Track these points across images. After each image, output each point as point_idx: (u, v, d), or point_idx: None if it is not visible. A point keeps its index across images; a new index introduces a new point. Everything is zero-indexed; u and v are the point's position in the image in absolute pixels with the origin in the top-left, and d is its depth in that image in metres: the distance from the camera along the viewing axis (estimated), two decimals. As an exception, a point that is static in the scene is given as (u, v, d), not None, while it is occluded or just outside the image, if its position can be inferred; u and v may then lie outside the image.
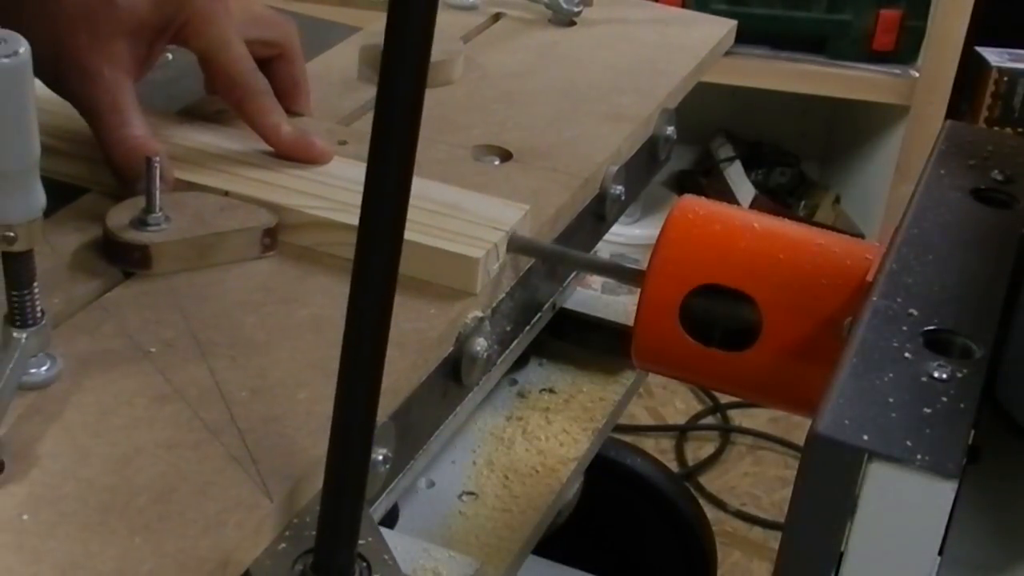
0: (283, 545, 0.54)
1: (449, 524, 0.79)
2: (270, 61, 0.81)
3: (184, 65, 0.85)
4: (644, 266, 0.70)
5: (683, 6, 2.09)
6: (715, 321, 0.69)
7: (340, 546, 0.52)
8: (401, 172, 0.46)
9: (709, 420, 1.94)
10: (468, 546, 0.77)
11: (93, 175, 0.75)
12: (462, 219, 0.72)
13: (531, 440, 0.86)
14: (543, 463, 0.84)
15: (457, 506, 0.80)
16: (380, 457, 0.59)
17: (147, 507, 0.53)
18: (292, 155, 0.76)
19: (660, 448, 1.87)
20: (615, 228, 0.94)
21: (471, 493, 0.81)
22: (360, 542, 0.53)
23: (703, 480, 1.81)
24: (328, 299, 0.68)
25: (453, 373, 0.68)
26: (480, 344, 0.69)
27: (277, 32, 0.81)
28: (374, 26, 1.01)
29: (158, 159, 0.68)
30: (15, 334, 0.57)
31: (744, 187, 2.35)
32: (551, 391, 0.92)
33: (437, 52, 0.93)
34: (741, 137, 2.46)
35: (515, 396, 0.91)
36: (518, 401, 0.89)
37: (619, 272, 0.76)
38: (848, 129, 2.45)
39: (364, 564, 0.54)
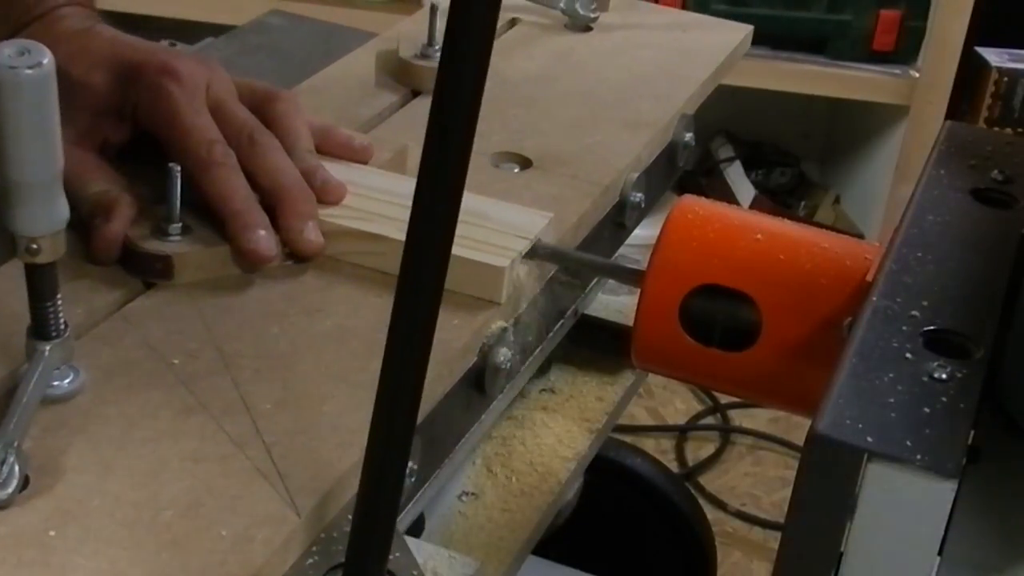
0: (311, 560, 0.54)
1: (449, 524, 0.79)
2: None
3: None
4: (644, 266, 0.70)
5: (683, 7, 2.09)
6: (715, 321, 0.69)
7: (371, 563, 0.52)
8: (454, 183, 0.46)
9: (709, 420, 1.94)
10: (468, 546, 0.77)
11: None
12: (486, 227, 0.71)
13: (531, 440, 0.86)
14: (543, 463, 0.84)
15: (457, 506, 0.80)
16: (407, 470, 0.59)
17: (174, 522, 0.52)
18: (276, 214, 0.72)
19: (660, 448, 1.87)
20: (615, 228, 0.94)
21: (471, 493, 0.81)
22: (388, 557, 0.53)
23: (703, 480, 1.81)
24: (351, 309, 0.67)
25: (476, 383, 0.68)
26: (503, 354, 0.68)
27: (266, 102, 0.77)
28: (391, 31, 1.00)
29: (179, 168, 0.68)
30: (39, 346, 0.57)
31: (744, 187, 2.35)
32: (551, 391, 0.91)
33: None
34: (741, 137, 2.46)
35: (515, 396, 0.91)
36: (518, 401, 0.89)
37: (619, 272, 0.76)
38: (848, 129, 2.45)
39: None
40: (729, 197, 2.27)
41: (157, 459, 0.56)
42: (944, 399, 0.50)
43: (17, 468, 0.53)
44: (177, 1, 2.09)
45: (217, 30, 1.08)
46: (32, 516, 0.52)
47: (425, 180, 0.46)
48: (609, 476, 1.21)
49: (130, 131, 0.75)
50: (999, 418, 0.54)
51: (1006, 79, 2.10)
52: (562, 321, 0.82)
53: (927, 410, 0.49)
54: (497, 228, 0.72)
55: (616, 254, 0.91)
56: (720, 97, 1.03)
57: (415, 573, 0.54)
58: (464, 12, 0.43)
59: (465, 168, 0.46)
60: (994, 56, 2.12)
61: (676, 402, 1.96)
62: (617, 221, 0.87)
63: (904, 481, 0.46)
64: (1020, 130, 2.12)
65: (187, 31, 1.08)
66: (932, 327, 0.54)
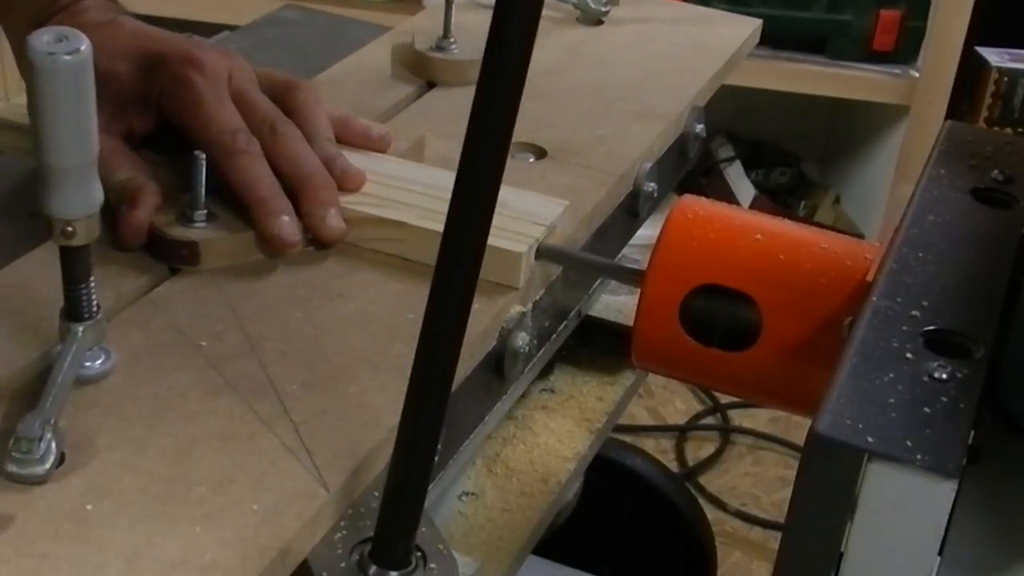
0: (340, 535, 0.55)
1: (449, 524, 0.79)
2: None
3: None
4: (644, 266, 0.70)
5: (684, 7, 2.10)
6: (715, 321, 0.68)
7: (400, 537, 0.53)
8: (493, 174, 0.48)
9: (709, 420, 1.94)
10: (468, 546, 0.77)
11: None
12: (503, 214, 0.71)
13: (531, 440, 0.86)
14: (543, 463, 0.84)
15: (457, 506, 0.80)
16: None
17: (207, 497, 0.54)
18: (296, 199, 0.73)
19: (660, 448, 1.87)
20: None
21: (471, 493, 0.81)
22: None
23: (703, 480, 1.81)
24: (373, 294, 0.69)
25: (496, 367, 0.69)
26: (522, 338, 0.69)
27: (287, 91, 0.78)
28: (405, 24, 1.01)
29: (204, 156, 0.69)
30: (72, 327, 0.58)
31: (744, 187, 2.36)
32: (551, 391, 0.91)
33: (471, 51, 0.94)
34: (741, 137, 2.46)
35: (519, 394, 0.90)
36: (518, 401, 0.89)
37: (619, 272, 0.76)
38: (848, 129, 2.45)
39: (420, 554, 0.55)
40: (729, 197, 2.27)
41: (188, 438, 0.57)
42: (944, 399, 0.50)
43: (54, 445, 0.54)
44: (181, 1, 2.09)
45: (220, 31, 1.07)
46: (69, 491, 0.53)
47: (466, 167, 0.47)
48: (609, 476, 1.21)
49: (154, 120, 0.76)
50: (999, 418, 0.54)
51: (1006, 79, 2.10)
52: (565, 322, 0.82)
53: (927, 410, 0.49)
54: (514, 215, 0.72)
55: (622, 250, 0.91)
56: (720, 97, 1.04)
57: (441, 547, 0.55)
58: (509, 8, 0.45)
59: (504, 158, 0.48)
60: (994, 56, 2.12)
61: (676, 402, 1.97)
62: (631, 210, 0.88)
63: (904, 481, 0.46)
64: (1020, 130, 2.12)
65: (189, 32, 1.08)
66: (932, 327, 0.54)
